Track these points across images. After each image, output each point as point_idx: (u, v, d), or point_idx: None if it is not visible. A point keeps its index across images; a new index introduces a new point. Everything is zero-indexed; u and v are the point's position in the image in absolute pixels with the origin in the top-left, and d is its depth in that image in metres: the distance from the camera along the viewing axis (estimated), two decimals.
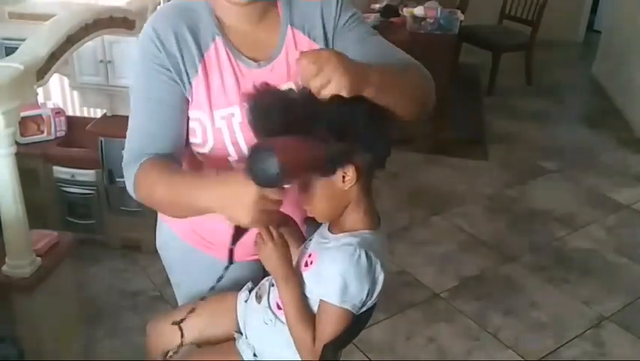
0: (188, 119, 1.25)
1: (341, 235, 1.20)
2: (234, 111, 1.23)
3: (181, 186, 1.14)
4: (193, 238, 1.45)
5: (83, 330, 2.42)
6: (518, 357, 2.48)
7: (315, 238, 1.27)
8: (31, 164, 2.82)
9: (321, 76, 0.99)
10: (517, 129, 4.56)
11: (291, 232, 1.35)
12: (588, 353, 2.52)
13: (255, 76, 1.22)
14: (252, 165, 1.00)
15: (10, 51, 2.32)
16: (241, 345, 1.33)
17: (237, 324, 1.37)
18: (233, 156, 1.26)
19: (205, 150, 1.25)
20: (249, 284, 1.38)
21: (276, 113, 1.05)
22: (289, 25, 1.27)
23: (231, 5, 1.21)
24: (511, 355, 2.49)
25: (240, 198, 1.03)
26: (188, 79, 1.21)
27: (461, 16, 4.06)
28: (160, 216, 1.52)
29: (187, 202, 1.13)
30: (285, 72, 1.26)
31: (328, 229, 1.24)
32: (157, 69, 1.20)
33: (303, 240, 1.35)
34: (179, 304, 1.60)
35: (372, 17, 4.04)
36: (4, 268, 2.00)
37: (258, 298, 1.30)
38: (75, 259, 2.36)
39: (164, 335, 1.45)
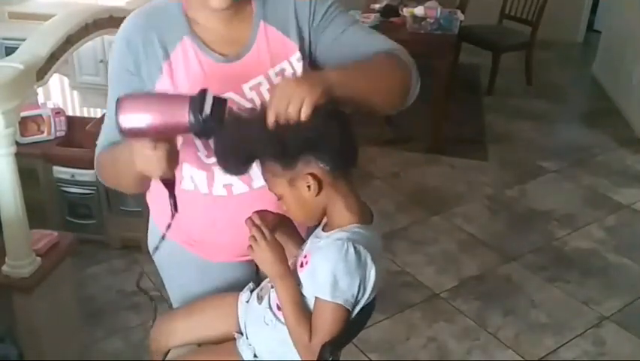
0: None
1: (332, 232, 1.21)
2: None
3: (114, 156, 1.24)
4: (179, 235, 1.43)
5: (82, 330, 2.42)
6: (518, 357, 2.48)
7: (311, 238, 1.28)
8: (31, 164, 2.82)
9: (293, 103, 1.04)
10: (517, 129, 4.56)
11: (290, 234, 1.35)
12: (588, 353, 2.52)
13: (224, 70, 1.26)
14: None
15: (10, 51, 2.32)
16: (241, 345, 1.33)
17: (238, 324, 1.37)
18: (202, 150, 1.29)
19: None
20: (251, 285, 1.38)
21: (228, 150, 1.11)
22: (262, 21, 1.28)
23: (204, 7, 1.23)
24: (511, 355, 2.49)
25: (137, 149, 1.11)
26: (152, 80, 1.26)
27: (461, 16, 4.05)
28: (151, 217, 1.53)
29: (122, 167, 1.22)
30: (255, 67, 1.28)
31: (322, 229, 1.24)
32: (124, 71, 1.28)
33: (301, 241, 1.35)
34: (174, 306, 1.59)
35: (372, 17, 4.04)
36: (4, 268, 2.00)
37: (259, 298, 1.30)
38: (75, 259, 2.36)
39: (165, 334, 1.45)
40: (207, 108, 1.05)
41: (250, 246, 1.23)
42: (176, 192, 1.22)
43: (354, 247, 1.15)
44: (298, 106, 1.04)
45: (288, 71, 1.30)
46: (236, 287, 1.44)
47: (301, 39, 1.30)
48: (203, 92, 1.07)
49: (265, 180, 1.19)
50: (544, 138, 4.48)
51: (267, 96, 1.26)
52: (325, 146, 1.11)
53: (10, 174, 1.87)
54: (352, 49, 1.28)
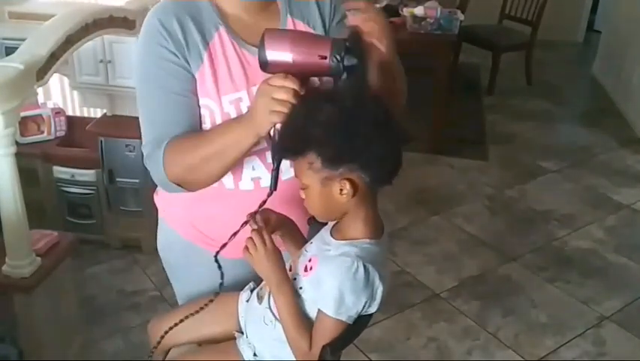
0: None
1: (342, 242, 1.20)
2: (242, 96, 1.27)
3: (208, 138, 1.20)
4: (193, 234, 1.45)
5: (82, 330, 2.42)
6: (518, 357, 2.48)
7: (316, 241, 1.27)
8: (31, 164, 2.82)
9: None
10: (517, 129, 4.56)
11: (291, 234, 1.35)
12: (588, 353, 2.52)
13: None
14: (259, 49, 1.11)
15: (10, 51, 2.32)
16: (242, 345, 1.33)
17: (238, 323, 1.37)
18: None
19: None
20: (251, 284, 1.38)
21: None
22: (289, 15, 1.32)
23: None
24: (511, 355, 2.49)
25: (256, 104, 1.12)
26: (194, 67, 1.24)
27: (461, 16, 4.05)
28: (160, 214, 1.53)
29: (220, 146, 1.18)
30: None
31: (330, 234, 1.23)
32: (166, 58, 1.23)
33: (303, 241, 1.34)
34: (180, 303, 1.60)
35: None
36: (4, 268, 2.00)
37: (260, 298, 1.30)
38: (75, 259, 2.36)
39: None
40: (346, 54, 1.08)
41: (246, 247, 1.23)
42: (195, 190, 1.24)
43: (364, 266, 1.14)
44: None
45: None
46: (244, 286, 1.43)
47: (324, 29, 1.35)
48: (343, 40, 1.10)
49: (296, 168, 1.17)
50: (544, 138, 4.48)
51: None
52: (375, 161, 1.11)
53: (10, 174, 1.86)
54: None
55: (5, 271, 2.00)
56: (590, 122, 4.77)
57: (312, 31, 1.34)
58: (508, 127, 4.59)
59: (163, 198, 1.51)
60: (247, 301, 1.36)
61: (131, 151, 2.80)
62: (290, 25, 1.32)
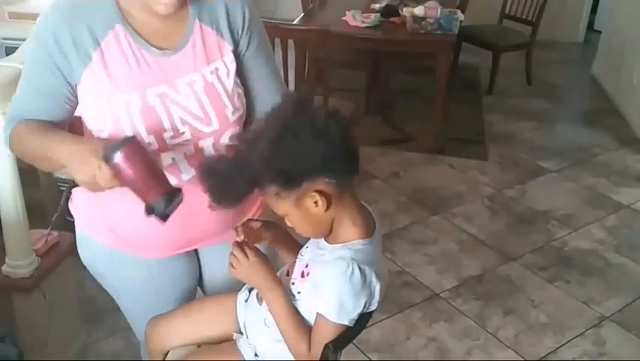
0: (85, 105, 1.29)
1: (336, 246, 1.20)
2: (133, 98, 1.24)
3: (45, 139, 1.22)
4: (111, 238, 1.42)
5: (82, 330, 2.42)
6: (518, 357, 2.48)
7: (311, 246, 1.27)
8: (31, 164, 2.81)
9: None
10: (517, 129, 4.56)
11: (281, 239, 1.35)
12: (588, 353, 2.52)
13: (158, 63, 1.26)
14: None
15: (10, 51, 2.32)
16: (242, 345, 1.33)
17: (237, 324, 1.37)
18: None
19: (104, 135, 1.27)
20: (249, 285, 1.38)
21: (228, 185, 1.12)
22: (197, 20, 1.30)
23: (144, 8, 1.24)
24: (511, 355, 2.49)
25: (85, 159, 1.11)
26: (81, 67, 1.24)
27: (461, 16, 4.05)
28: (77, 227, 1.51)
29: (47, 153, 1.21)
30: (190, 63, 1.29)
31: (325, 239, 1.23)
32: (47, 62, 1.24)
33: (295, 245, 1.34)
34: (126, 314, 1.59)
35: (372, 17, 4.03)
36: (4, 268, 2.00)
37: (260, 299, 1.30)
38: (75, 259, 2.35)
39: (164, 334, 1.45)
40: (172, 207, 1.14)
41: (231, 264, 1.23)
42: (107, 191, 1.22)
43: (360, 268, 1.14)
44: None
45: (222, 71, 1.32)
46: (179, 282, 1.46)
47: (234, 41, 1.34)
48: (176, 191, 1.14)
49: (267, 202, 1.17)
50: (544, 138, 4.48)
51: (201, 94, 1.28)
52: (330, 162, 1.10)
53: (10, 174, 1.86)
54: (258, 83, 1.38)
55: (5, 271, 2.00)
56: (590, 122, 4.77)
57: (217, 38, 1.32)
58: (508, 127, 4.59)
59: (79, 207, 1.48)
60: (245, 301, 1.36)
61: None
62: (197, 31, 1.30)
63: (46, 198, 2.96)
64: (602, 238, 3.30)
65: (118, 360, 2.39)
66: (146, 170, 1.12)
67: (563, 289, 2.90)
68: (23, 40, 2.03)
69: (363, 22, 3.98)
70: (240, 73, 1.36)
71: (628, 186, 3.83)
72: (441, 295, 2.82)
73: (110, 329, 2.53)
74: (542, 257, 3.12)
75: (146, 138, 1.24)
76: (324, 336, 1.17)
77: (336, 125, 1.11)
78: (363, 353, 2.44)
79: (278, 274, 1.32)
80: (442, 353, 2.49)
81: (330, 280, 1.15)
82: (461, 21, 4.03)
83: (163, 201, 1.12)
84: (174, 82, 1.27)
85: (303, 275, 1.23)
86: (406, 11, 3.97)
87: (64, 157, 1.16)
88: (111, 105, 1.24)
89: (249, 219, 1.27)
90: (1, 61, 1.96)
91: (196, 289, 1.58)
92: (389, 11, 4.13)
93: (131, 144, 1.12)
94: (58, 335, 2.21)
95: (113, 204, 1.34)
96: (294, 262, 1.29)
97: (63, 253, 2.18)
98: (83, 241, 1.51)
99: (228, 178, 1.11)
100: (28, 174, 2.02)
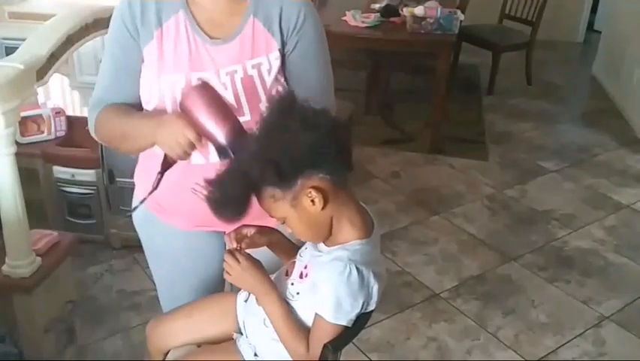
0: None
1: (333, 247, 1.19)
2: (179, 78, 1.33)
3: (128, 118, 1.34)
4: (152, 205, 1.47)
5: (82, 330, 2.42)
6: (518, 357, 2.48)
7: (310, 247, 1.27)
8: (31, 164, 2.82)
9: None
10: (517, 129, 4.56)
11: (278, 243, 1.35)
12: (588, 353, 2.52)
13: (208, 51, 1.34)
14: None
15: (10, 51, 2.32)
16: (242, 345, 1.33)
17: (237, 323, 1.37)
18: None
19: (149, 107, 1.37)
20: None
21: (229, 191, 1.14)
22: (252, 15, 1.36)
23: None
24: (511, 355, 2.49)
25: (169, 123, 1.22)
26: (144, 42, 1.34)
27: (461, 16, 4.04)
28: (135, 192, 1.57)
29: (132, 132, 1.33)
30: (236, 55, 1.35)
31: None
32: (123, 32, 1.35)
33: (292, 247, 1.34)
34: (154, 278, 1.65)
35: (372, 17, 4.04)
36: (4, 268, 2.00)
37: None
38: (75, 259, 2.36)
39: (164, 334, 1.45)
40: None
41: (225, 270, 1.23)
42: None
43: (357, 269, 1.14)
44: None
45: (265, 66, 1.36)
46: (202, 257, 1.50)
47: (282, 41, 1.38)
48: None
49: (265, 209, 1.17)
50: (544, 138, 4.48)
51: (238, 85, 1.34)
52: (322, 156, 1.10)
53: (10, 174, 1.86)
54: (297, 86, 1.39)
55: (5, 271, 2.00)
56: (590, 122, 4.77)
57: (267, 34, 1.36)
58: (508, 127, 4.59)
59: (138, 174, 1.56)
60: (245, 301, 1.36)
61: None
62: (249, 25, 1.35)
63: (46, 198, 2.96)
64: (602, 238, 3.30)
65: (118, 360, 2.39)
66: (219, 108, 1.20)
67: (563, 289, 2.90)
68: (23, 40, 2.03)
69: (363, 22, 3.98)
70: (284, 72, 1.41)
71: (628, 186, 3.83)
72: (441, 295, 2.82)
73: (110, 329, 2.53)
74: (542, 257, 3.12)
75: None
76: (322, 337, 1.17)
77: (324, 117, 1.11)
78: (363, 353, 2.44)
79: (276, 273, 1.32)
80: (442, 353, 2.49)
81: (327, 281, 1.15)
82: (461, 21, 4.03)
83: (230, 137, 1.18)
84: (218, 70, 1.34)
85: (301, 276, 1.23)
86: (406, 11, 3.97)
87: (150, 131, 1.26)
88: (159, 82, 1.33)
89: (242, 225, 1.27)
90: (1, 61, 1.96)
91: (221, 276, 1.60)
92: (389, 11, 4.13)
93: (201, 85, 1.22)
94: (58, 335, 2.21)
95: (166, 178, 1.38)
96: (294, 262, 1.29)
97: (63, 253, 2.18)
98: (135, 200, 1.59)
99: (225, 184, 1.11)
100: (28, 174, 2.03)
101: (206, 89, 1.22)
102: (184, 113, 1.21)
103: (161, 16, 1.33)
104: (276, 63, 1.37)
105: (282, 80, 1.40)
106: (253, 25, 1.35)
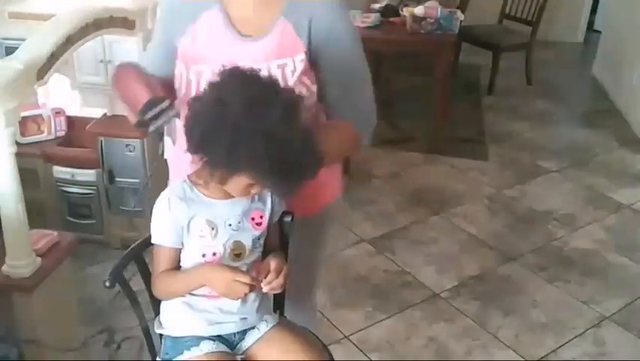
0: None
1: None
2: (205, 69, 1.38)
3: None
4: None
5: (82, 330, 2.42)
6: (518, 357, 2.48)
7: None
8: (31, 164, 2.82)
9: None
10: (517, 129, 4.56)
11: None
12: (588, 353, 2.52)
13: (238, 47, 1.38)
14: None
15: (10, 51, 2.32)
16: None
17: None
18: None
19: (181, 94, 1.43)
20: None
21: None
22: (283, 17, 1.38)
23: None
24: (511, 355, 2.49)
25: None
26: (180, 33, 1.42)
27: (461, 16, 4.04)
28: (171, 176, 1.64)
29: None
30: (263, 53, 1.38)
31: None
32: (166, 19, 1.49)
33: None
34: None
35: (372, 17, 4.03)
36: (4, 268, 2.00)
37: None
38: (75, 259, 2.36)
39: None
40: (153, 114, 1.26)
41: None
42: None
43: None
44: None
45: (289, 68, 1.38)
46: None
47: (310, 44, 1.39)
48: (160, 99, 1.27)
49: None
50: (544, 138, 4.48)
51: None
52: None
53: (10, 174, 1.86)
54: (322, 88, 1.43)
55: (5, 271, 2.00)
56: (590, 122, 4.77)
57: (295, 36, 1.38)
58: (508, 127, 4.59)
59: (174, 158, 1.64)
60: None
61: (131, 151, 2.80)
62: (280, 26, 1.38)
63: (46, 198, 2.96)
64: (602, 238, 3.30)
65: (118, 360, 2.39)
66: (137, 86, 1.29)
67: (563, 289, 2.90)
68: (23, 40, 2.03)
69: (363, 22, 3.98)
70: (315, 71, 1.43)
71: (628, 186, 3.83)
72: (441, 295, 2.82)
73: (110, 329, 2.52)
74: (542, 257, 3.12)
75: None
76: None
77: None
78: (364, 353, 2.44)
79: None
80: (442, 353, 2.49)
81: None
82: (461, 21, 4.03)
83: (144, 108, 1.25)
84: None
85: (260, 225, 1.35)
86: (406, 11, 3.97)
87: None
88: (188, 71, 1.41)
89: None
90: (1, 61, 1.96)
91: None
92: (389, 11, 4.14)
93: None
94: (58, 335, 2.21)
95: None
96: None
97: (63, 253, 2.18)
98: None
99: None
100: (28, 174, 2.03)
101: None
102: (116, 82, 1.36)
103: (196, 10, 1.40)
104: (301, 65, 1.38)
105: (307, 81, 1.41)
106: (284, 26, 1.38)
